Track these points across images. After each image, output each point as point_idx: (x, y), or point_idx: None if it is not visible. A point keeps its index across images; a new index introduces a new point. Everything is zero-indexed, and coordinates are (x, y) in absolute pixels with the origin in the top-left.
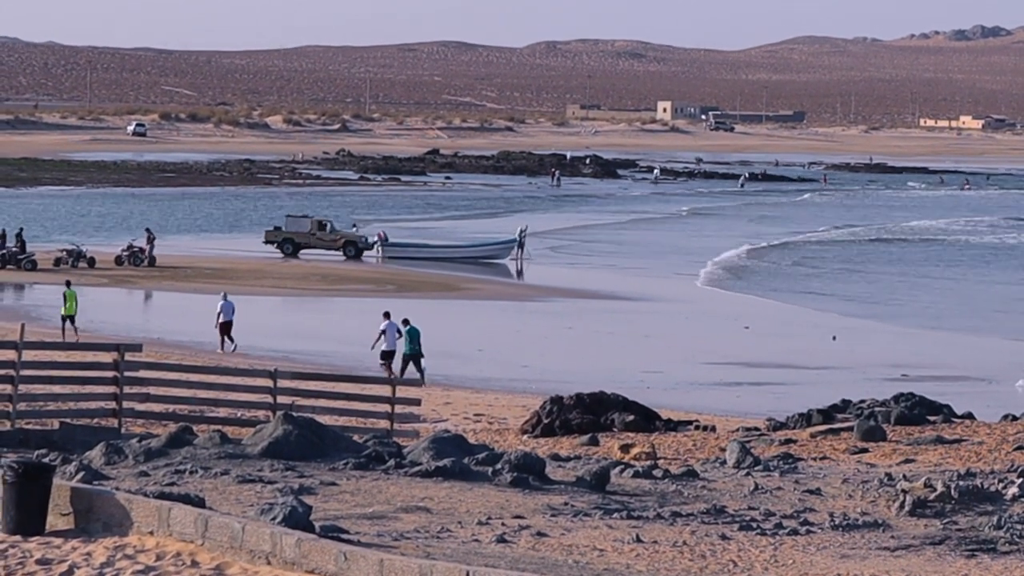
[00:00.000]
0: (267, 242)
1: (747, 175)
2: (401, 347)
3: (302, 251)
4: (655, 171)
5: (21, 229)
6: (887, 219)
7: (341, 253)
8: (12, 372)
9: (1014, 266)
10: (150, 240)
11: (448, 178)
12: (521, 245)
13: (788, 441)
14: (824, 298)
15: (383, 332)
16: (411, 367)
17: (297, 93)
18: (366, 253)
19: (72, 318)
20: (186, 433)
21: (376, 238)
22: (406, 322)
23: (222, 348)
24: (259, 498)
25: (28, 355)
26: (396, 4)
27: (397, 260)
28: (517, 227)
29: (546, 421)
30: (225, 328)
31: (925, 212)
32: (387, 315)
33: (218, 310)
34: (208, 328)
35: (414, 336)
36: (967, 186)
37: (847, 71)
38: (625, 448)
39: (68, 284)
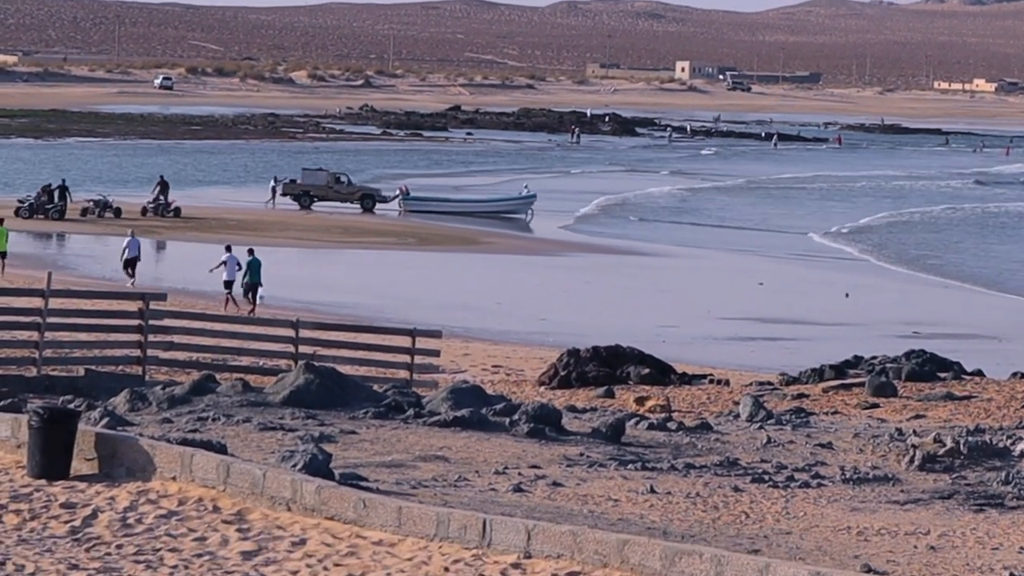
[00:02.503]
0: (284, 195)
1: (778, 134)
2: (241, 278)
3: (317, 204)
4: (668, 130)
5: (64, 181)
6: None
7: (359, 206)
8: (39, 319)
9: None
10: (162, 186)
11: (469, 134)
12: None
13: (800, 396)
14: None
15: (223, 263)
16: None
17: (321, 49)
18: (389, 206)
19: (4, 254)
20: (209, 381)
21: (398, 192)
22: (251, 252)
23: (132, 284)
24: (280, 445)
25: (54, 303)
26: None
27: (418, 213)
28: (524, 183)
29: (563, 373)
30: (129, 264)
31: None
32: (228, 248)
33: (124, 246)
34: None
35: (255, 267)
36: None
37: (863, 34)
38: (640, 401)
39: (0, 222)
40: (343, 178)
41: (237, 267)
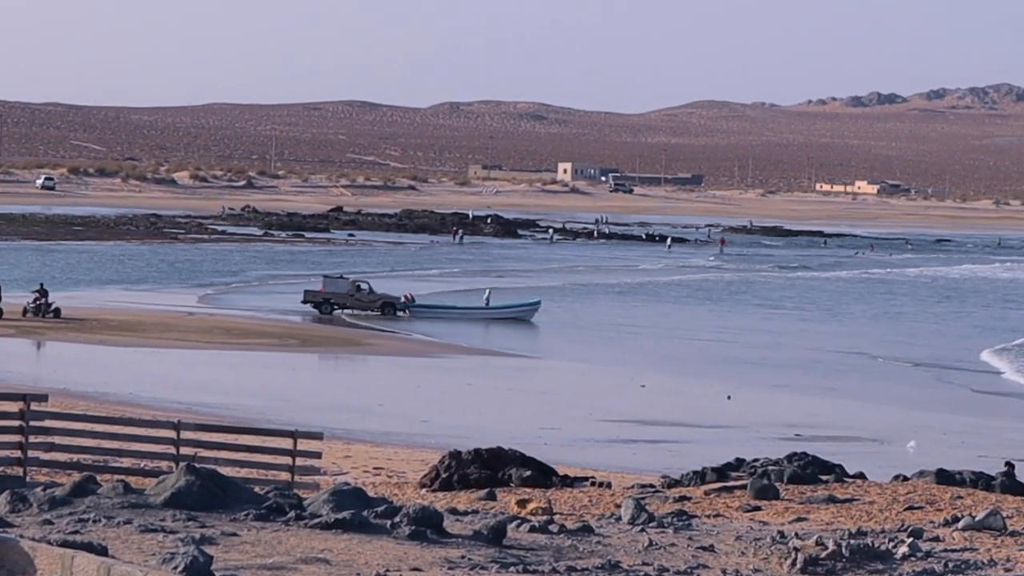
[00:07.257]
0: (305, 302)
1: (672, 238)
2: None
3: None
4: (551, 231)
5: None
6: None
7: (379, 313)
8: None
9: None
10: (41, 293)
11: (351, 235)
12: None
13: (682, 498)
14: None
15: None
16: None
17: (204, 149)
18: (397, 314)
19: None
20: (90, 482)
21: (403, 299)
22: None
23: None
24: (161, 547)
25: None
26: (302, 64)
27: (424, 320)
28: (487, 289)
29: (444, 475)
30: None
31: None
32: None
33: None
34: (114, 379)
35: None
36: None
37: (745, 135)
38: (522, 503)
39: None
40: (363, 286)
41: None
